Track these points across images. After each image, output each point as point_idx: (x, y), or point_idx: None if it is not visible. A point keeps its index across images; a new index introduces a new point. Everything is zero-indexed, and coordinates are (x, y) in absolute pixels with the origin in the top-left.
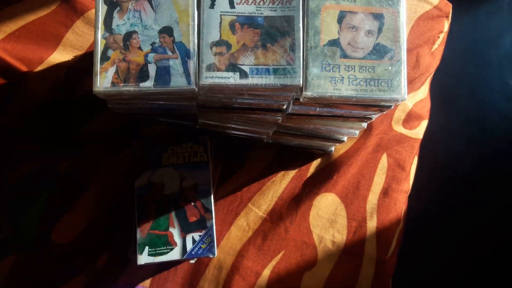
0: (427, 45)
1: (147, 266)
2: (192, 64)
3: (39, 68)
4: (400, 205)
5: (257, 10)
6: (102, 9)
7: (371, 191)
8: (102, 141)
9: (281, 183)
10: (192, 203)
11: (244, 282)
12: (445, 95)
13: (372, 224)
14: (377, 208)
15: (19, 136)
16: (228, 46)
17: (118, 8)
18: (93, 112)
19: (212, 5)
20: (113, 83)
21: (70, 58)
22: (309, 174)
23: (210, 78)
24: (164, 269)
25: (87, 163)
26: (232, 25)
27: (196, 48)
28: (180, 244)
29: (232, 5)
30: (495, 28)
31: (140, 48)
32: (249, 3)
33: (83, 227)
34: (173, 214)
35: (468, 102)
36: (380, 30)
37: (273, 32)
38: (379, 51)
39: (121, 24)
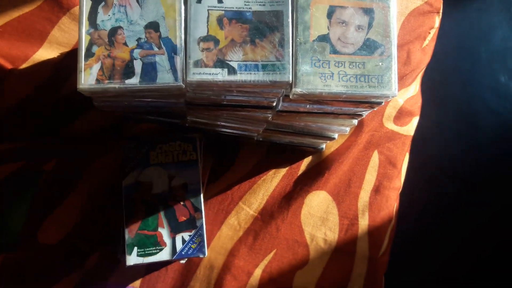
0: (418, 41)
1: (137, 266)
2: (179, 60)
3: (24, 65)
4: (391, 202)
5: (245, 4)
6: (87, 4)
7: (363, 188)
8: (89, 139)
9: (272, 181)
10: (182, 203)
11: (235, 281)
12: (436, 91)
13: (364, 222)
14: (368, 205)
15: (4, 135)
16: (216, 41)
17: (103, 3)
18: (80, 110)
19: (199, 0)
20: (97, 80)
21: (56, 55)
22: (300, 172)
23: (198, 75)
24: (154, 269)
25: (74, 162)
26: (220, 20)
27: (183, 44)
28: (169, 244)
29: None
30: (486, 24)
31: (125, 44)
32: None
33: (71, 227)
34: (162, 214)
35: (459, 98)
36: (370, 25)
37: (261, 27)
38: (369, 47)
39: (106, 19)
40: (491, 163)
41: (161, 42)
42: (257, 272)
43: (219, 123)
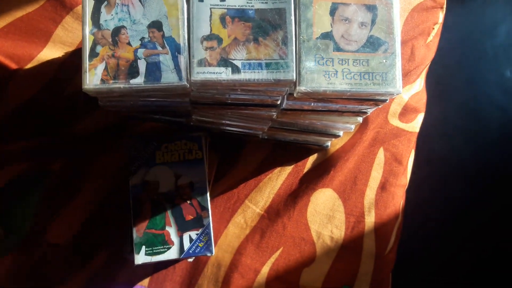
0: (422, 37)
1: (145, 265)
2: (183, 59)
3: (29, 65)
4: (398, 199)
5: (247, 2)
6: (89, 3)
7: (369, 186)
8: (94, 139)
9: (278, 179)
10: (188, 202)
11: (243, 279)
12: (440, 87)
13: (370, 219)
14: (375, 203)
15: (9, 135)
16: (219, 40)
17: (105, 2)
18: (85, 109)
19: None
20: (102, 80)
21: (60, 55)
22: (305, 170)
23: (202, 74)
24: (162, 268)
25: (81, 162)
26: (222, 19)
27: (186, 43)
28: (177, 243)
29: None
30: (490, 19)
31: (129, 43)
32: None
33: (79, 226)
34: (169, 213)
35: (464, 94)
36: (373, 22)
37: (264, 25)
38: (373, 44)
39: (109, 19)
40: (496, 159)
41: (165, 42)
42: (264, 270)
43: (224, 121)
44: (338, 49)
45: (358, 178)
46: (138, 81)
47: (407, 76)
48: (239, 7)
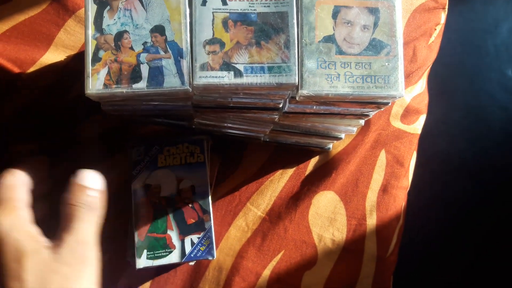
0: (424, 38)
1: (146, 269)
2: (185, 64)
3: (32, 69)
4: (399, 201)
5: (250, 6)
6: (92, 8)
7: (370, 188)
8: (97, 142)
9: (280, 182)
10: (190, 205)
11: (244, 283)
12: (443, 88)
13: (371, 222)
14: (376, 205)
15: (12, 139)
16: (222, 44)
17: (108, 7)
18: (88, 113)
19: (204, 2)
20: (105, 85)
21: (62, 58)
22: (307, 172)
23: (204, 78)
24: (164, 271)
25: (82, 166)
26: (225, 23)
27: (189, 47)
28: (178, 246)
29: (224, 1)
30: (492, 18)
31: (131, 48)
32: None
33: None
34: (171, 217)
35: (466, 94)
36: (375, 24)
37: (266, 29)
38: (375, 47)
39: (111, 23)
40: (499, 159)
41: (167, 46)
42: (266, 273)
43: (225, 124)
44: (340, 52)
45: (360, 180)
46: (141, 85)
47: (409, 77)
48: (241, 11)
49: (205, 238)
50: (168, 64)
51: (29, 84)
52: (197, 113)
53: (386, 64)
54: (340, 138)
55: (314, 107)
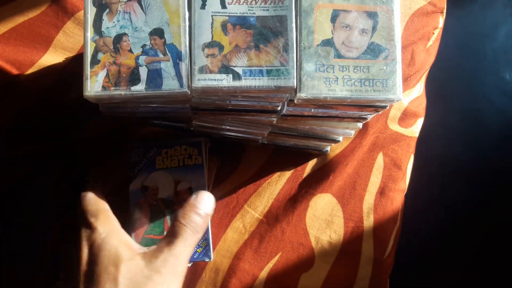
0: (422, 42)
1: None
2: (184, 67)
3: (30, 70)
4: (396, 204)
5: (249, 10)
6: (91, 11)
7: (368, 190)
8: (95, 144)
9: (277, 184)
10: None
11: (241, 285)
12: (440, 91)
13: (369, 224)
14: (373, 208)
15: (11, 140)
16: (221, 47)
17: (107, 10)
18: (87, 115)
19: (203, 6)
20: (104, 87)
21: (61, 60)
22: (305, 175)
23: (203, 81)
24: None
25: (81, 167)
26: (224, 26)
27: (188, 50)
28: None
29: (223, 5)
30: (490, 22)
31: (130, 50)
32: (241, 3)
33: None
34: (168, 218)
35: (464, 97)
36: (374, 28)
37: (265, 33)
38: (373, 51)
39: (110, 26)
40: (497, 163)
41: (166, 49)
42: (262, 275)
43: (224, 127)
44: (338, 56)
45: (357, 183)
46: (139, 88)
47: (407, 81)
48: (240, 15)
49: (202, 240)
50: (167, 66)
51: (28, 86)
52: (196, 115)
53: (384, 68)
54: (338, 141)
55: (312, 110)
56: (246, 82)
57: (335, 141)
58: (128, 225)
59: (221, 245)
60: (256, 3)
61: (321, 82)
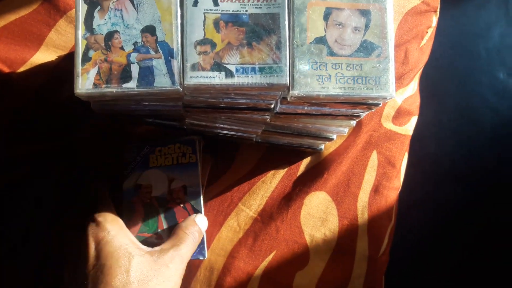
0: (416, 41)
1: None
2: (176, 64)
3: (22, 68)
4: (391, 202)
5: (241, 7)
6: (82, 8)
7: (362, 189)
8: (90, 143)
9: (271, 183)
10: (182, 205)
11: (236, 283)
12: (434, 90)
13: (363, 222)
14: (368, 205)
15: (10, 141)
16: (213, 44)
17: (98, 7)
18: (80, 114)
19: (195, 3)
20: (95, 85)
21: (53, 58)
22: (299, 173)
23: (195, 78)
24: None
25: (76, 167)
26: (216, 23)
27: (180, 47)
28: None
29: (216, 2)
30: (484, 21)
31: (122, 48)
32: (233, 0)
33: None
34: (162, 217)
35: (458, 96)
36: (367, 26)
37: (258, 30)
38: (366, 48)
39: (102, 23)
40: (489, 161)
41: (158, 46)
42: (257, 273)
43: (217, 125)
44: (331, 53)
45: (352, 181)
46: (131, 85)
47: (400, 79)
48: (232, 12)
49: None
50: (158, 64)
51: (19, 84)
52: (188, 113)
53: (377, 65)
54: (332, 139)
55: (306, 108)
56: (239, 79)
57: (329, 139)
58: None
59: (216, 244)
60: (248, 0)
61: (314, 80)
